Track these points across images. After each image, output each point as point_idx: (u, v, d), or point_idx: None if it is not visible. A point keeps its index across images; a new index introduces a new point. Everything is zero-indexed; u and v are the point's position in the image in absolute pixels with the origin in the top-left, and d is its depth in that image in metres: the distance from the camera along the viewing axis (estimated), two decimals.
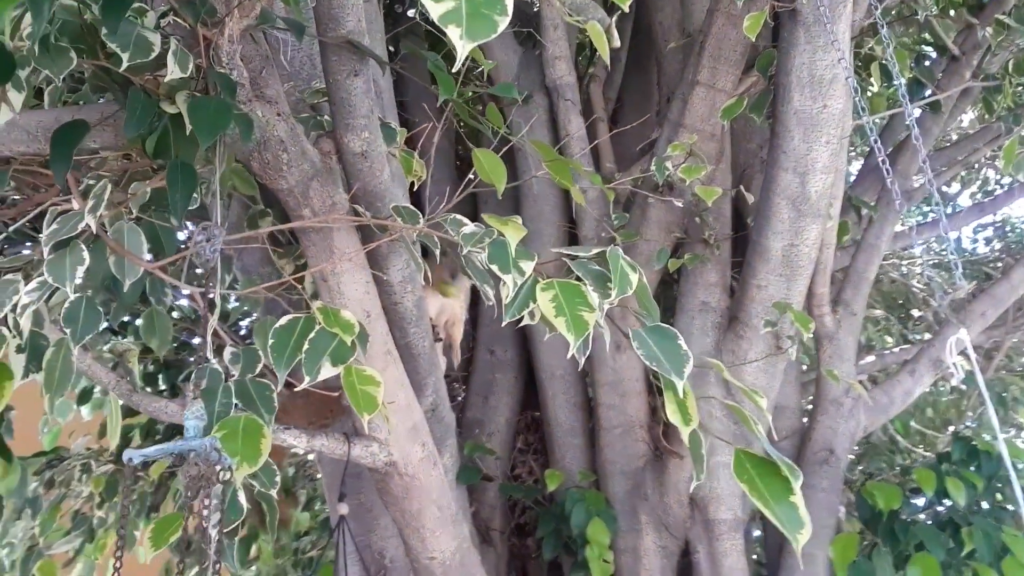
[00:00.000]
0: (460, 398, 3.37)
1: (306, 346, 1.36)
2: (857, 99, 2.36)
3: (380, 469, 1.76)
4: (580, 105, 3.28)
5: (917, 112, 3.34)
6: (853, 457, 3.93)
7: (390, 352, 1.73)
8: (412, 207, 1.59)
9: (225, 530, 1.51)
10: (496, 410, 3.22)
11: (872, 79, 3.18)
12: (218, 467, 1.08)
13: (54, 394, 1.41)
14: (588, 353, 1.26)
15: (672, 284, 3.31)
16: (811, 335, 2.47)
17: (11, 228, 1.47)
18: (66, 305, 1.39)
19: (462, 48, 0.84)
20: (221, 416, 1.36)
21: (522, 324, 3.28)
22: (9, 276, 1.45)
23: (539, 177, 3.20)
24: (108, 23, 1.17)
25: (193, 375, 1.32)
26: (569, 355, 1.18)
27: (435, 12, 0.84)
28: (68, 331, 1.37)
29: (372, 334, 1.72)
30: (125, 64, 1.22)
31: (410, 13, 4.08)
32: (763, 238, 2.64)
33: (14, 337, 1.42)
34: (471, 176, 3.80)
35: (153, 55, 1.28)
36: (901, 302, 5.81)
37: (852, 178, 3.81)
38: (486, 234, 1.27)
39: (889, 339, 5.35)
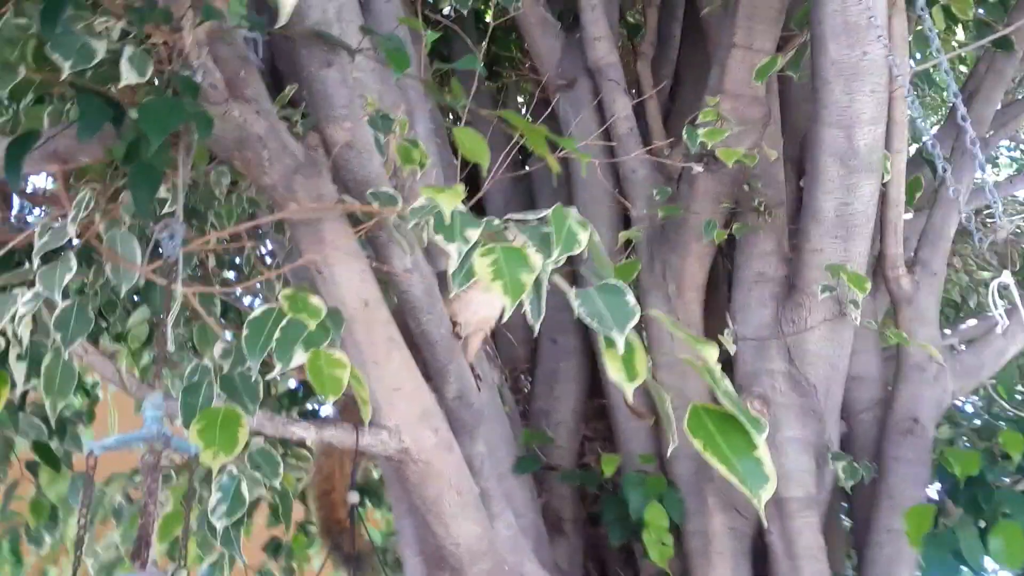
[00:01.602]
0: (527, 389, 3.34)
1: (277, 334, 1.37)
2: (931, 33, 2.20)
3: (393, 457, 1.76)
4: (625, 84, 3.21)
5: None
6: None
7: (392, 339, 1.73)
8: (390, 191, 1.58)
9: (231, 520, 1.54)
10: (561, 399, 3.18)
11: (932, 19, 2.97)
12: (167, 456, 1.09)
13: (55, 397, 1.48)
14: (543, 317, 1.21)
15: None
16: (866, 295, 2.31)
17: (8, 246, 1.54)
18: (56, 311, 1.45)
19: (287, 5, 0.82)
20: (204, 408, 1.39)
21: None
22: (15, 291, 1.53)
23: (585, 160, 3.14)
24: (45, 31, 1.21)
25: (154, 363, 1.35)
26: (505, 318, 1.15)
27: None
28: (59, 336, 1.44)
29: (371, 322, 1.73)
30: (66, 72, 1.26)
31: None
32: (814, 199, 2.51)
33: (14, 347, 1.49)
34: (527, 167, 3.77)
35: (95, 61, 1.32)
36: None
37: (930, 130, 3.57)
38: (432, 207, 1.24)
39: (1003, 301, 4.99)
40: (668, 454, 1.47)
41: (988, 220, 4.74)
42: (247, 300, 3.45)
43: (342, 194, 1.72)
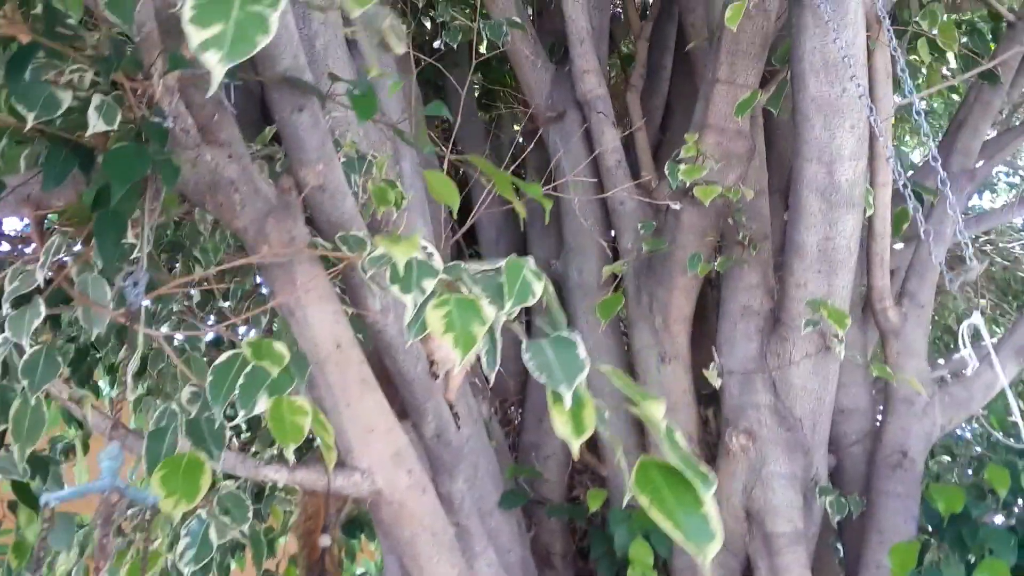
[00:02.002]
0: (516, 421, 3.34)
1: (241, 380, 1.37)
2: (903, 74, 2.22)
3: (367, 498, 1.76)
4: (614, 117, 3.23)
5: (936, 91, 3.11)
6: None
7: (366, 380, 1.73)
8: (359, 235, 1.59)
9: (198, 566, 1.54)
10: (551, 432, 3.14)
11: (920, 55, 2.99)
12: (122, 508, 1.10)
13: (23, 443, 1.49)
14: (498, 368, 1.21)
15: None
16: (856, 327, 2.31)
17: None
18: (24, 356, 1.46)
19: (218, 73, 0.83)
20: (168, 455, 1.40)
21: None
22: None
23: (576, 193, 3.16)
24: (10, 83, 1.23)
25: (113, 413, 1.36)
26: (456, 370, 1.15)
27: (196, 39, 0.84)
28: (26, 381, 1.45)
29: (344, 363, 1.73)
30: (30, 123, 1.28)
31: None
32: (797, 234, 2.52)
33: None
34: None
35: (60, 111, 1.34)
36: (1018, 289, 5.40)
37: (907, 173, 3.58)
38: (387, 259, 1.25)
39: (999, 330, 4.97)
40: (624, 504, 1.44)
41: (982, 248, 4.74)
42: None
43: (315, 236, 1.73)
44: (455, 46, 3.52)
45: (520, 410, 3.31)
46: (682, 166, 2.51)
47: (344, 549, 3.44)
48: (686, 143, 2.63)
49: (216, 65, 0.83)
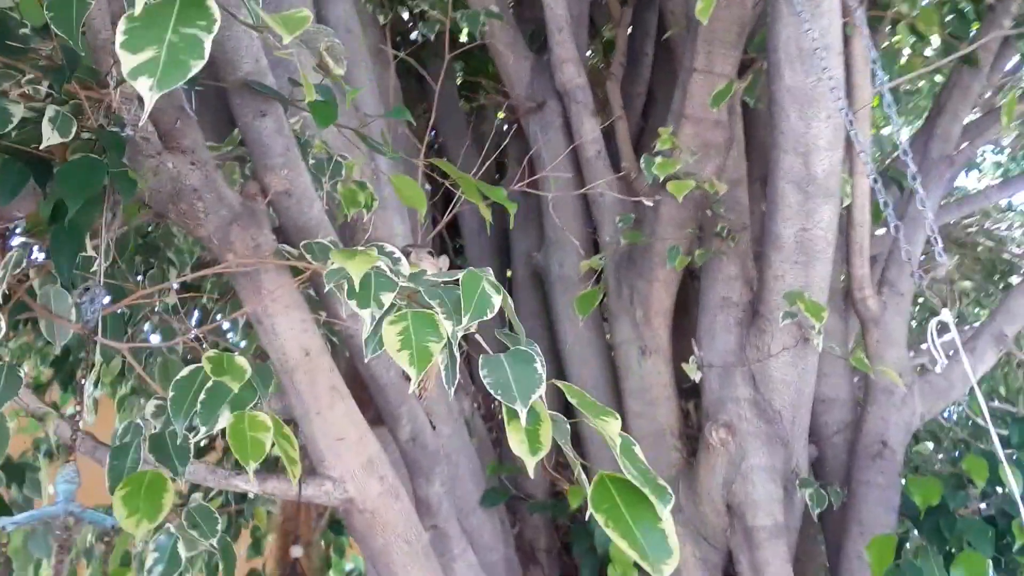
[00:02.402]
0: (500, 416, 3.32)
1: (203, 395, 1.36)
2: (875, 65, 2.20)
3: (339, 507, 1.75)
4: (593, 107, 3.20)
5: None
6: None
7: (335, 388, 1.71)
8: (323, 243, 1.57)
9: None
10: None
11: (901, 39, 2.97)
12: (74, 531, 1.09)
13: None
14: (457, 381, 1.20)
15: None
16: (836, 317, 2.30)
17: None
18: None
19: (150, 100, 0.81)
20: (131, 471, 1.38)
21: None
22: None
23: (557, 184, 3.14)
24: None
25: (69, 437, 1.34)
26: (411, 391, 1.14)
27: (127, 65, 0.81)
28: None
29: (313, 372, 1.71)
30: None
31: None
32: (774, 225, 2.50)
33: None
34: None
35: (11, 126, 1.31)
36: (1004, 270, 5.39)
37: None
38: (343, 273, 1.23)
39: (984, 312, 4.97)
40: (587, 518, 1.43)
41: (967, 230, 4.73)
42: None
43: (282, 243, 1.71)
44: (432, 37, 3.48)
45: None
46: (657, 159, 2.48)
47: (332, 546, 3.45)
48: (660, 136, 2.60)
49: (147, 93, 0.81)
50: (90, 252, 1.49)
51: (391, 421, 1.98)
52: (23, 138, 1.47)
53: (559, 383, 1.12)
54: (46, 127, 1.37)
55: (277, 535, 2.11)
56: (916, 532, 2.36)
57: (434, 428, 2.08)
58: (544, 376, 1.10)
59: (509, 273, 3.61)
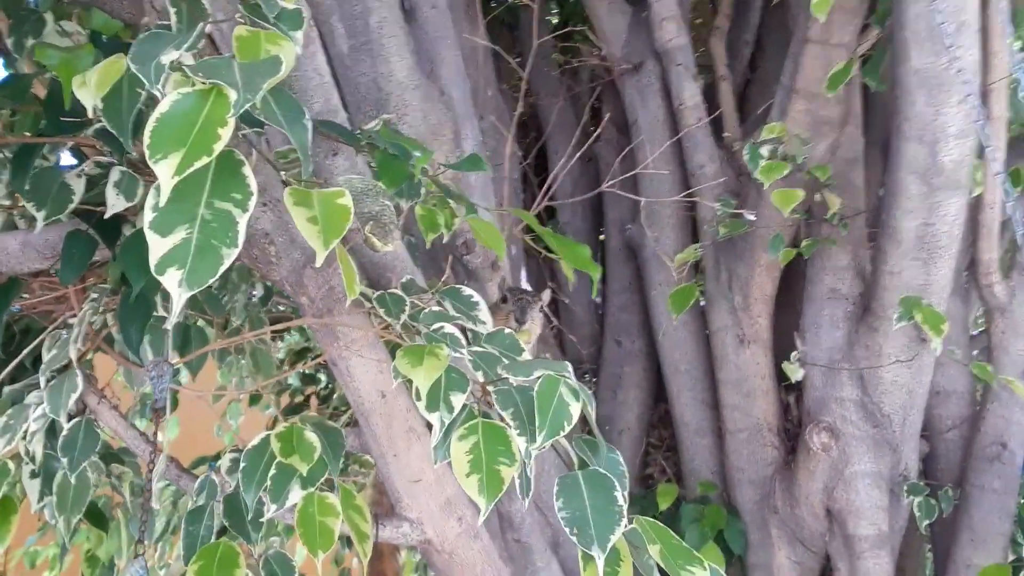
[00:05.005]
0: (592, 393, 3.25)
1: (272, 471, 1.32)
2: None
3: (417, 547, 1.72)
4: (695, 69, 2.97)
5: None
6: None
7: (412, 429, 1.65)
8: (399, 293, 1.49)
9: None
10: (625, 405, 3.08)
11: None
12: None
13: (68, 515, 1.48)
14: (532, 492, 1.11)
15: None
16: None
17: (22, 355, 1.52)
18: (63, 432, 1.44)
19: (179, 299, 0.72)
20: (204, 541, 1.36)
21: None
22: (29, 398, 1.52)
23: (655, 158, 2.95)
24: (14, 184, 1.15)
25: (139, 524, 1.32)
26: (480, 521, 1.06)
27: (156, 252, 0.73)
28: (65, 459, 1.42)
29: (389, 414, 1.65)
30: (40, 225, 1.20)
31: None
32: (892, 218, 2.28)
33: (27, 464, 1.49)
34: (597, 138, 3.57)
35: (71, 207, 1.25)
36: None
37: None
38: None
39: None
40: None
41: None
42: None
43: (361, 281, 1.64)
44: None
45: (595, 379, 3.21)
46: (763, 157, 2.28)
47: None
48: (784, 110, 2.38)
49: (176, 289, 0.73)
50: (160, 311, 1.44)
51: None
52: (88, 200, 1.42)
53: (640, 524, 1.02)
54: (110, 193, 1.31)
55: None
56: None
57: None
58: (624, 510, 1.00)
59: (602, 238, 3.48)
